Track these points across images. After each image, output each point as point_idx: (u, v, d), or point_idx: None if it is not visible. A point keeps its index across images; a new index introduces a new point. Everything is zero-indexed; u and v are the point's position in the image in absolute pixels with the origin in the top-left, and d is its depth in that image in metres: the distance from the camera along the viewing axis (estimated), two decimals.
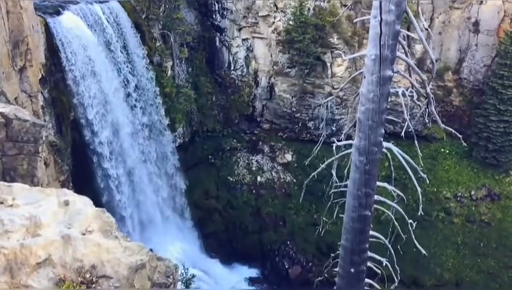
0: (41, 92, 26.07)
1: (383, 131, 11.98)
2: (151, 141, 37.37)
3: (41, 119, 24.35)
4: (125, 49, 33.91)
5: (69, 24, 28.33)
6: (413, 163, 12.94)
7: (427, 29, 15.21)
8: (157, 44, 38.47)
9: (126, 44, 34.12)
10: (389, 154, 12.90)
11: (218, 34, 43.36)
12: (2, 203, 8.15)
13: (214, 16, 42.85)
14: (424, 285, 39.24)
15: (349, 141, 12.75)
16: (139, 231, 35.60)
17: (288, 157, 44.80)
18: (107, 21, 32.12)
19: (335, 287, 14.48)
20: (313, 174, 14.76)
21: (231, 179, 43.46)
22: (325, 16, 39.98)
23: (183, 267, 25.25)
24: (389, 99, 11.77)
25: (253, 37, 43.08)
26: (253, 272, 40.84)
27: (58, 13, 28.34)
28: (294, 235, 41.79)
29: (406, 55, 11.83)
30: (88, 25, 30.06)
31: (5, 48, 22.25)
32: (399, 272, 14.59)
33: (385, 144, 12.33)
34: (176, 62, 40.12)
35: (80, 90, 29.60)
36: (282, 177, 43.96)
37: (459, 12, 42.22)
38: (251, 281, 40.31)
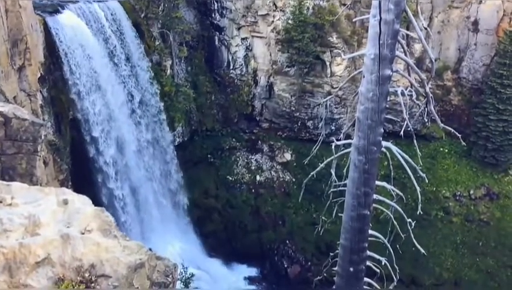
0: (40, 91, 26.02)
1: (382, 130, 11.98)
2: (155, 158, 36.68)
3: (40, 118, 24.31)
4: (128, 62, 32.98)
5: (69, 30, 27.63)
6: (412, 162, 12.94)
7: (426, 29, 15.25)
8: (157, 43, 38.43)
9: (129, 56, 33.14)
10: (388, 153, 12.89)
11: (218, 33, 43.33)
12: (1, 202, 8.14)
13: (213, 15, 42.82)
14: (423, 284, 39.27)
15: (349, 140, 12.75)
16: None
17: (288, 156, 44.80)
18: (111, 30, 31.03)
19: (334, 287, 14.48)
20: (312, 173, 14.74)
21: (230, 179, 43.44)
22: (324, 15, 39.99)
23: (182, 266, 25.18)
24: (388, 99, 11.77)
25: (253, 36, 43.07)
26: (253, 271, 40.83)
27: (57, 12, 28.21)
28: (293, 235, 41.79)
29: (405, 55, 11.82)
30: (91, 30, 29.18)
31: (4, 47, 22.21)
32: (398, 271, 14.59)
33: (384, 143, 12.33)
34: (175, 61, 40.09)
35: (84, 105, 28.85)
36: (281, 176, 43.96)
37: (458, 11, 42.24)
38: (250, 280, 40.32)
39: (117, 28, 31.97)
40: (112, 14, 31.80)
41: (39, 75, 25.69)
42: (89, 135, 29.77)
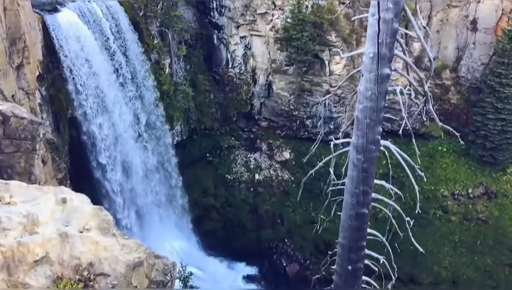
0: (39, 90, 25.98)
1: (381, 129, 11.97)
2: (161, 183, 36.53)
3: (39, 117, 24.28)
4: (134, 81, 32.25)
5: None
6: (411, 161, 12.95)
7: (425, 28, 15.25)
8: (155, 41, 38.37)
9: (134, 75, 32.38)
10: (386, 152, 12.89)
11: (216, 31, 43.29)
12: None
13: (211, 14, 42.77)
14: (422, 283, 39.36)
15: (347, 139, 12.74)
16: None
17: (286, 155, 44.81)
18: (116, 45, 30.21)
19: (332, 285, 14.50)
20: (310, 172, 14.75)
21: (229, 177, 43.45)
22: (323, 14, 39.98)
23: (181, 265, 25.20)
24: (387, 98, 11.76)
25: (251, 35, 43.03)
26: (251, 270, 40.86)
27: (56, 11, 28.10)
28: (292, 233, 41.83)
29: (404, 53, 11.81)
30: (93, 36, 28.55)
31: (2, 45, 22.16)
32: (396, 269, 14.62)
33: (383, 142, 12.32)
34: (173, 60, 40.04)
35: (90, 128, 28.52)
36: (280, 175, 43.98)
37: (457, 10, 42.23)
38: (249, 279, 40.35)
39: (121, 44, 31.21)
40: (116, 26, 30.97)
41: (38, 73, 25.65)
42: (95, 161, 29.46)
